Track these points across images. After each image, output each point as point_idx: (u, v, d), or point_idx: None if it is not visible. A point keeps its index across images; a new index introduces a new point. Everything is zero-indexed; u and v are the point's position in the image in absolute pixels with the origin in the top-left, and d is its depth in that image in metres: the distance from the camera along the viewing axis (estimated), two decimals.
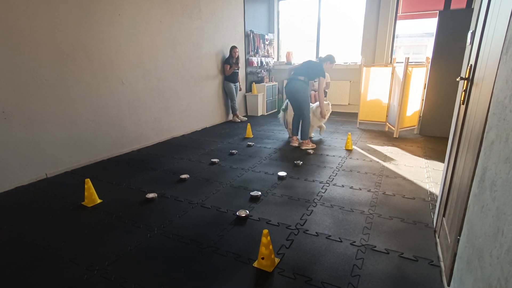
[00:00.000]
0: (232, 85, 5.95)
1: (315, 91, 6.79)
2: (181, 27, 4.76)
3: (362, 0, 6.51)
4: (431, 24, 6.68)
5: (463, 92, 1.72)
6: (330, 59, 4.03)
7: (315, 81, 6.85)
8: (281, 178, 3.12)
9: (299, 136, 4.32)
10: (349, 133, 4.31)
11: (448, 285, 1.52)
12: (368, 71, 5.27)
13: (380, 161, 3.64)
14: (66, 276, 1.72)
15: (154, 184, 3.00)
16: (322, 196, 2.71)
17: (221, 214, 2.41)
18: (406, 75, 4.47)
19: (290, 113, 4.42)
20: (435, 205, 2.35)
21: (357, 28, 7.18)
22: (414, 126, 5.08)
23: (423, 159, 3.71)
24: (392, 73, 4.96)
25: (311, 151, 4.01)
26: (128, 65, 3.97)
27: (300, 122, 4.12)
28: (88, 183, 2.57)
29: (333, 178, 3.10)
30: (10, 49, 2.77)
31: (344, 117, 6.58)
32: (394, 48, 6.65)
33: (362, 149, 4.14)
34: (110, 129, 3.83)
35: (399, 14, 6.34)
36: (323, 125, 4.69)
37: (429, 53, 4.85)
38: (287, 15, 7.92)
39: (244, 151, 4.07)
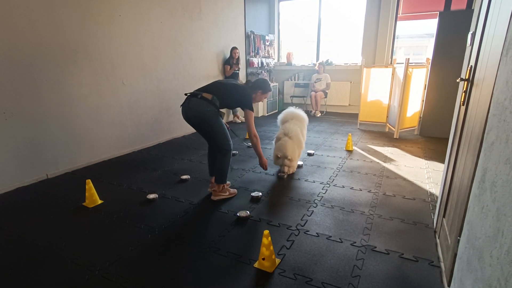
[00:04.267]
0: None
1: (315, 92, 6.85)
2: (181, 28, 4.77)
3: (363, 1, 6.52)
4: (431, 25, 6.68)
5: (463, 93, 1.72)
6: (263, 87, 2.76)
7: (315, 82, 6.92)
8: (282, 178, 3.12)
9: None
10: (350, 133, 4.32)
11: (448, 285, 1.53)
12: (368, 72, 5.28)
13: (380, 161, 3.64)
14: (67, 276, 1.73)
15: (155, 185, 3.00)
16: (322, 196, 2.71)
17: (222, 214, 2.42)
18: (406, 76, 4.48)
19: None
20: (435, 206, 2.35)
21: (357, 29, 7.19)
22: (415, 127, 5.09)
23: (423, 160, 3.71)
24: (393, 74, 4.96)
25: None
26: (129, 66, 3.98)
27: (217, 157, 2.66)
28: (89, 184, 2.57)
29: (334, 179, 3.11)
30: (10, 49, 2.78)
31: (345, 118, 6.59)
32: (394, 49, 6.65)
33: (362, 150, 4.14)
34: (110, 129, 3.83)
35: (400, 15, 6.35)
36: (290, 162, 3.11)
37: (430, 54, 4.86)
38: (288, 15, 7.94)
39: (245, 151, 4.08)
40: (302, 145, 3.35)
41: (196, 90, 2.54)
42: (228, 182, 2.86)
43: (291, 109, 3.56)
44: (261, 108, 6.83)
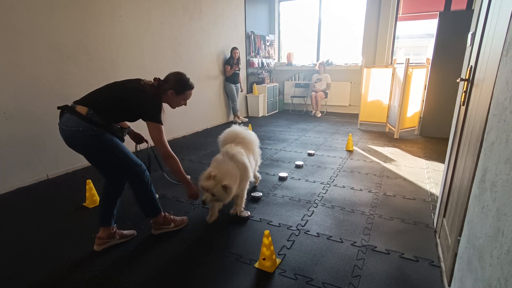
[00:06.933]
0: (233, 86, 5.96)
1: (316, 92, 6.85)
2: (182, 28, 4.78)
3: (363, 1, 6.52)
4: (431, 25, 6.68)
5: (463, 93, 1.72)
6: (174, 85, 1.96)
7: (315, 82, 6.92)
8: (282, 179, 3.12)
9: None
10: (350, 134, 4.32)
11: (449, 285, 1.53)
12: (368, 72, 5.28)
13: (380, 162, 3.64)
14: (67, 276, 1.73)
15: (155, 185, 2.97)
16: (323, 197, 2.71)
17: (222, 215, 2.42)
18: (406, 76, 4.48)
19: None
20: (436, 206, 2.35)
21: (357, 29, 7.20)
22: (415, 127, 5.09)
23: (424, 160, 3.71)
24: (393, 74, 4.96)
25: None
26: (129, 66, 3.98)
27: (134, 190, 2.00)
28: (90, 184, 2.57)
29: (334, 179, 3.11)
30: (11, 50, 2.78)
31: (345, 118, 6.59)
32: (394, 49, 6.66)
33: (362, 150, 4.14)
34: None
35: (400, 15, 6.35)
36: (226, 193, 2.08)
37: (430, 54, 4.86)
38: (288, 16, 7.94)
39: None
40: (248, 174, 2.33)
41: (74, 101, 1.79)
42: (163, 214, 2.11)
43: (235, 127, 2.64)
44: (261, 108, 6.84)
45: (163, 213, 2.12)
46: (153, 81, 1.95)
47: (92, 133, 1.74)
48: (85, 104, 1.76)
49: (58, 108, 1.80)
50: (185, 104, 2.11)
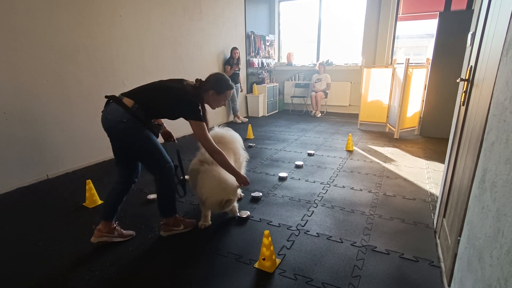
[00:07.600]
0: (233, 86, 5.95)
1: (316, 92, 6.85)
2: (182, 28, 4.78)
3: (363, 1, 6.52)
4: (431, 25, 6.68)
5: (463, 93, 1.72)
6: (215, 85, 2.03)
7: (315, 82, 6.92)
8: (282, 179, 3.12)
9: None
10: (350, 134, 4.32)
11: (449, 285, 1.53)
12: (368, 72, 5.28)
13: (380, 162, 3.64)
14: (67, 277, 1.73)
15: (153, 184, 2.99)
16: (323, 197, 2.71)
17: (222, 215, 2.42)
18: (406, 76, 4.48)
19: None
20: (436, 206, 2.35)
21: (357, 29, 7.20)
22: (415, 127, 5.09)
23: (424, 160, 3.71)
24: (393, 74, 4.96)
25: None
26: (129, 66, 3.98)
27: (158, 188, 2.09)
28: (89, 184, 2.57)
29: (334, 179, 3.11)
30: (11, 50, 2.78)
31: (345, 118, 6.59)
32: (394, 49, 6.66)
33: (362, 150, 4.14)
34: None
35: (400, 15, 6.35)
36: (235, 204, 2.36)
37: (430, 54, 4.86)
38: (288, 16, 7.94)
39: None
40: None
41: (121, 93, 1.91)
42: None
43: (216, 130, 2.48)
44: (261, 108, 6.83)
45: (173, 217, 2.12)
46: (194, 82, 2.04)
47: (133, 125, 1.82)
48: (132, 98, 1.85)
49: (106, 97, 1.88)
50: (225, 105, 2.32)
